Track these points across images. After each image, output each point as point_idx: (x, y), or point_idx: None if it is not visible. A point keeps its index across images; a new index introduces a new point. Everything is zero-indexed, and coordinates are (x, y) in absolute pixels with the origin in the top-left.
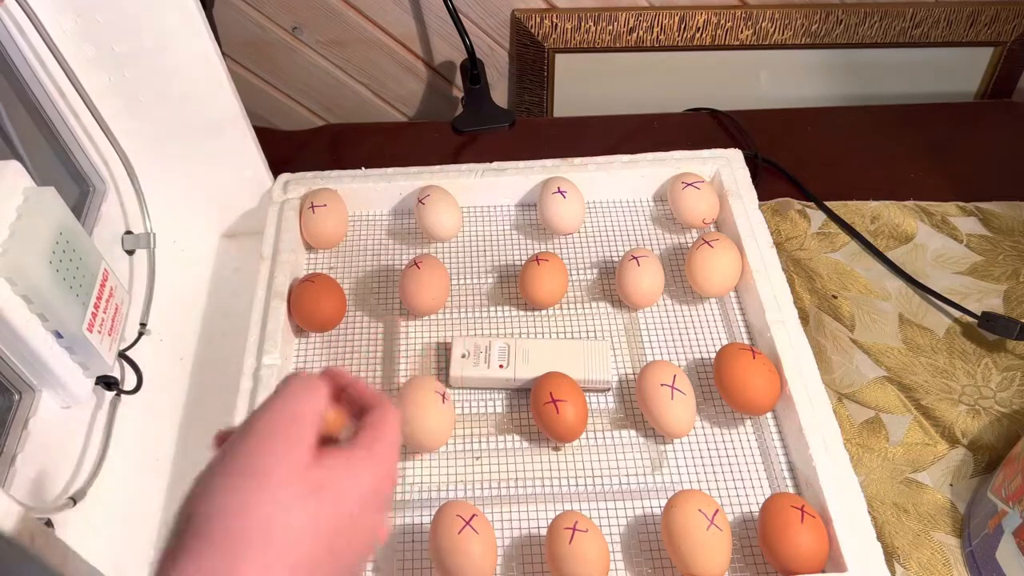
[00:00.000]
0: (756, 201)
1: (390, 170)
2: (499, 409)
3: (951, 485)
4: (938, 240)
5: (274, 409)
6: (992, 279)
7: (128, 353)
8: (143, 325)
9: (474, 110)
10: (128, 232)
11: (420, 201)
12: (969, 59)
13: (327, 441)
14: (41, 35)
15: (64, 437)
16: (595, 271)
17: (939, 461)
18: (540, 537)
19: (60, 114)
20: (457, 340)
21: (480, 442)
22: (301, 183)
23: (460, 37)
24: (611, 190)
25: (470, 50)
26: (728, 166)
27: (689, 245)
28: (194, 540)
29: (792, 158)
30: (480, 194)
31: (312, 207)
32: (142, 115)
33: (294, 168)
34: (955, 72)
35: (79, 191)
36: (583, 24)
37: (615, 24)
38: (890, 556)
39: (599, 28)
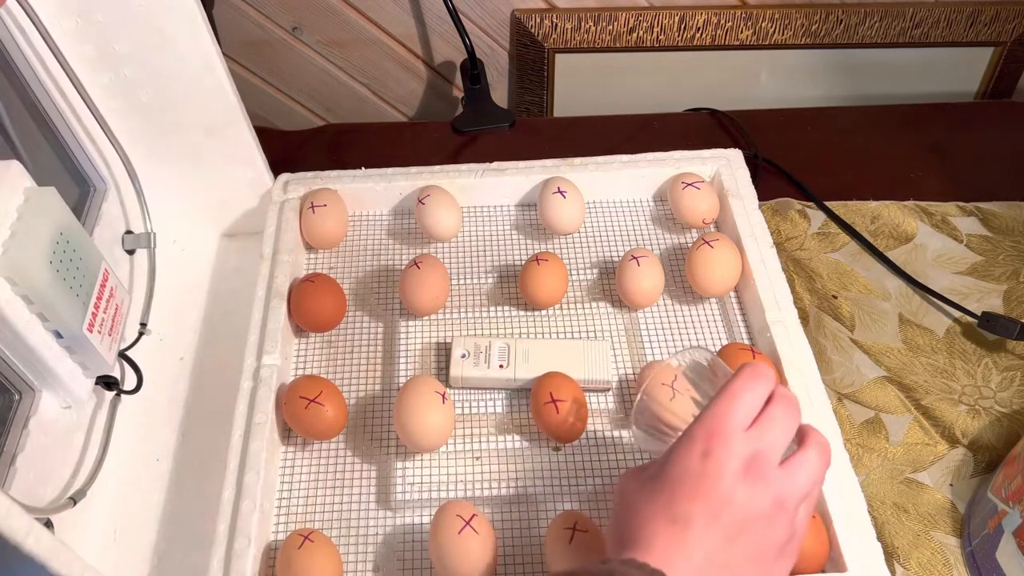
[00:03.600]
0: (756, 201)
1: (390, 170)
2: (499, 409)
3: (951, 485)
4: (938, 240)
5: (690, 456)
6: (992, 279)
7: (128, 353)
8: (143, 325)
9: (474, 110)
10: (128, 232)
11: (420, 201)
12: (969, 59)
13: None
14: (42, 35)
15: (64, 437)
16: (595, 271)
17: (939, 461)
18: (540, 537)
19: (61, 114)
20: (457, 340)
21: (480, 442)
22: (301, 183)
23: (460, 37)
24: (611, 190)
25: (470, 50)
26: (728, 166)
27: (689, 245)
28: (644, 553)
29: (792, 158)
30: (480, 194)
31: (312, 207)
32: (142, 115)
33: (294, 168)
34: (955, 72)
35: (79, 191)
36: (583, 24)
37: (615, 24)
38: (890, 556)
39: (599, 28)
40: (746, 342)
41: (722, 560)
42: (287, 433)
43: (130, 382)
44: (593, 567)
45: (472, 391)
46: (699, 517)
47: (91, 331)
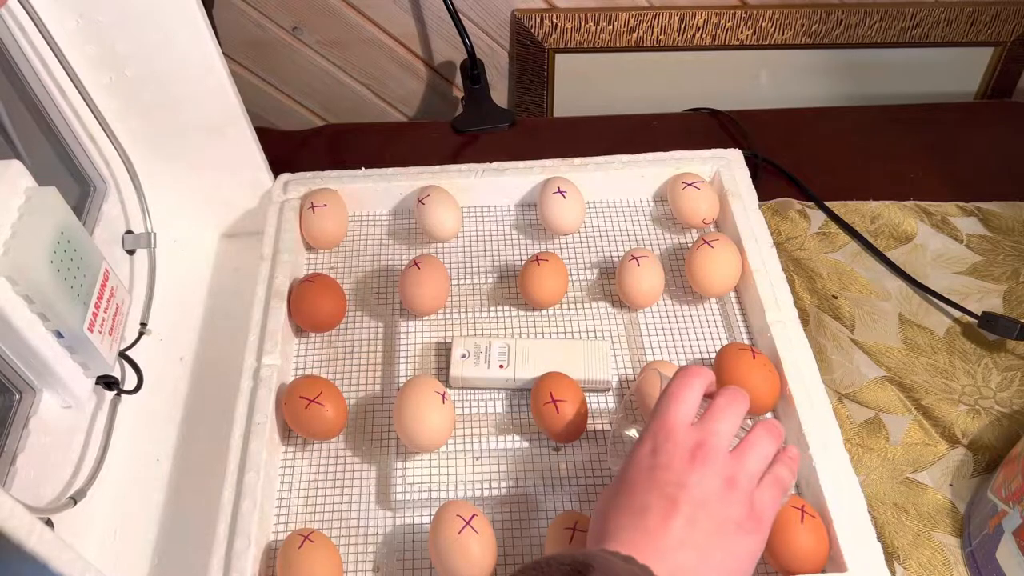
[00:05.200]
0: (756, 201)
1: (390, 170)
2: (499, 409)
3: (951, 485)
4: (938, 240)
5: (641, 455)
6: (992, 279)
7: (128, 353)
8: (143, 325)
9: (474, 110)
10: (129, 232)
11: (420, 201)
12: (969, 59)
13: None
14: (43, 35)
15: (64, 437)
16: (595, 271)
17: (939, 461)
18: (540, 537)
19: (61, 114)
20: (457, 340)
21: (480, 442)
22: (301, 183)
23: (460, 37)
24: (611, 190)
25: (470, 50)
26: (728, 166)
27: (689, 245)
28: (611, 544)
29: (792, 158)
30: (480, 194)
31: (312, 207)
32: (143, 115)
33: (294, 168)
34: (955, 72)
35: (80, 191)
36: (583, 24)
37: (615, 24)
38: (890, 556)
39: (599, 28)
40: (746, 342)
41: (686, 540)
42: (287, 433)
43: (130, 382)
44: (575, 550)
45: (472, 391)
46: (656, 504)
47: (91, 331)
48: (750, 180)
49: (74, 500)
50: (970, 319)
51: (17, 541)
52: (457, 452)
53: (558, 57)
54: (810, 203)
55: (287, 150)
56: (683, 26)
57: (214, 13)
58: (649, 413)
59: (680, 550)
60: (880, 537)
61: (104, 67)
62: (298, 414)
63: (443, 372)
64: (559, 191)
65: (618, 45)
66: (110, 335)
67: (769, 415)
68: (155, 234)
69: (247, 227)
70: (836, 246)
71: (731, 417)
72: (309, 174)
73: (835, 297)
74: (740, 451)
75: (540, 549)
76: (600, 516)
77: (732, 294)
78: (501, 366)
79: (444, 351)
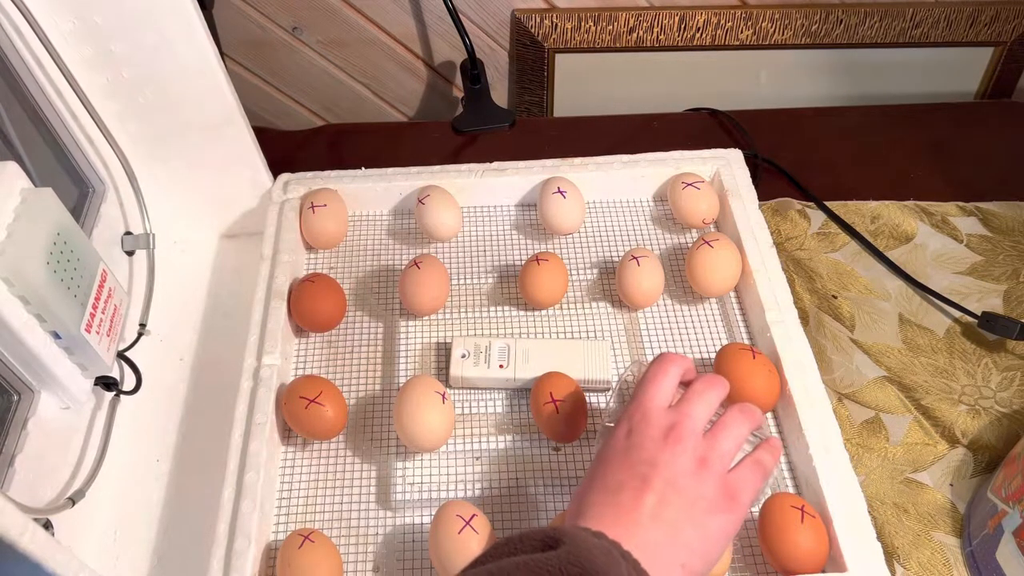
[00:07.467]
0: (756, 201)
1: (390, 170)
2: (499, 409)
3: (951, 485)
4: (938, 240)
5: (617, 437)
6: (992, 279)
7: (128, 353)
8: (143, 326)
9: (474, 110)
10: (128, 233)
11: (420, 201)
12: (969, 59)
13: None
14: (39, 36)
15: (63, 438)
16: (595, 271)
17: (939, 461)
18: None
19: (59, 115)
20: (457, 340)
21: (480, 442)
22: (301, 183)
23: (460, 37)
24: (611, 190)
25: (470, 50)
26: (728, 166)
27: (689, 245)
28: (585, 521)
29: (792, 158)
30: (480, 194)
31: (312, 207)
32: (141, 116)
33: (294, 168)
34: (955, 72)
35: (78, 192)
36: (583, 24)
37: (615, 24)
38: (890, 556)
39: (599, 28)
40: (746, 342)
41: (656, 517)
42: (287, 433)
43: (129, 383)
44: (548, 527)
45: (472, 391)
46: (628, 483)
47: (89, 332)
48: (750, 180)
49: (73, 501)
50: (970, 319)
51: (9, 541)
52: (457, 452)
53: (558, 57)
54: (810, 203)
55: (287, 150)
56: (683, 26)
57: (214, 13)
58: None
59: (650, 527)
60: (880, 537)
61: (101, 68)
62: (298, 414)
63: (443, 372)
64: (559, 191)
65: (618, 45)
66: (108, 336)
67: (769, 415)
68: (154, 235)
69: (247, 227)
70: (836, 246)
71: (706, 401)
72: (309, 174)
73: (835, 297)
74: (713, 432)
75: None
76: (576, 497)
77: (732, 294)
78: (501, 366)
79: (444, 351)
